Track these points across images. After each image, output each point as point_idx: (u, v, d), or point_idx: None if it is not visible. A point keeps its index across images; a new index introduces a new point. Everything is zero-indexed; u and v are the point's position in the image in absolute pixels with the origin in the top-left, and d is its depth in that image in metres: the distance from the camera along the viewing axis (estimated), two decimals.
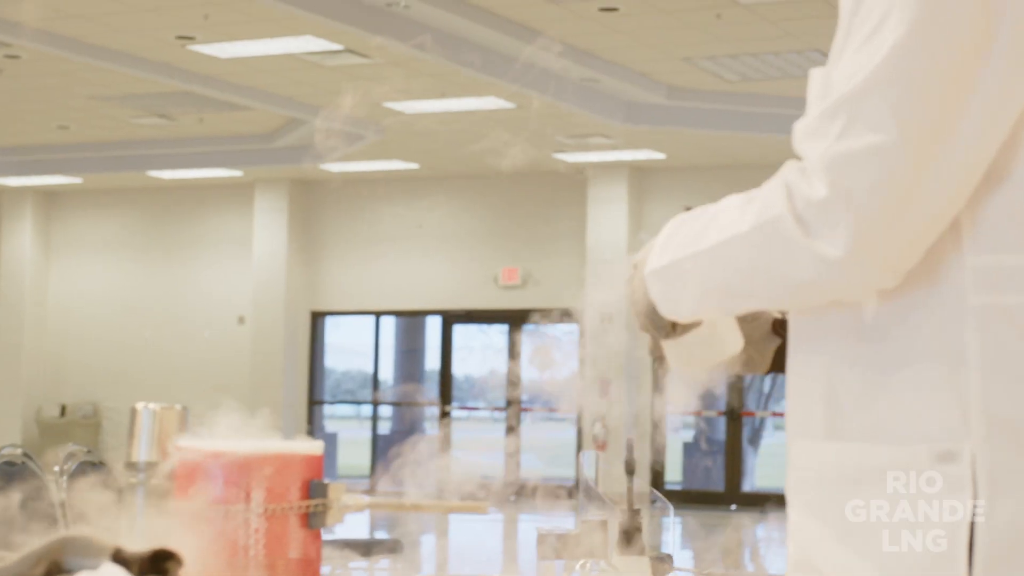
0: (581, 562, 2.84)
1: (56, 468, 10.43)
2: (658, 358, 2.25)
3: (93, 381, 23.51)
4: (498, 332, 22.76)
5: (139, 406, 2.33)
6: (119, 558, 1.96)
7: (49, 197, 24.35)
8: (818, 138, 1.87)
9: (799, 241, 1.85)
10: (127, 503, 2.38)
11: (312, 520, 2.21)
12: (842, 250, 1.83)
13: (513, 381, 21.91)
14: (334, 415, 25.57)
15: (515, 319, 21.53)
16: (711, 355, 2.25)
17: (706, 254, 1.97)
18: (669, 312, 2.06)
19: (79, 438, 21.77)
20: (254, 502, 2.18)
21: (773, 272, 1.90)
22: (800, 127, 1.91)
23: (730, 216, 1.95)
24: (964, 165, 1.85)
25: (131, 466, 2.35)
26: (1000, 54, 1.84)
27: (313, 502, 2.21)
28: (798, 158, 1.92)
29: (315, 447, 2.25)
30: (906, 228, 1.84)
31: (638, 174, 20.70)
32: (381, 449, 23.40)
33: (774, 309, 2.18)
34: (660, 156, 19.72)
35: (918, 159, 1.82)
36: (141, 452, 2.32)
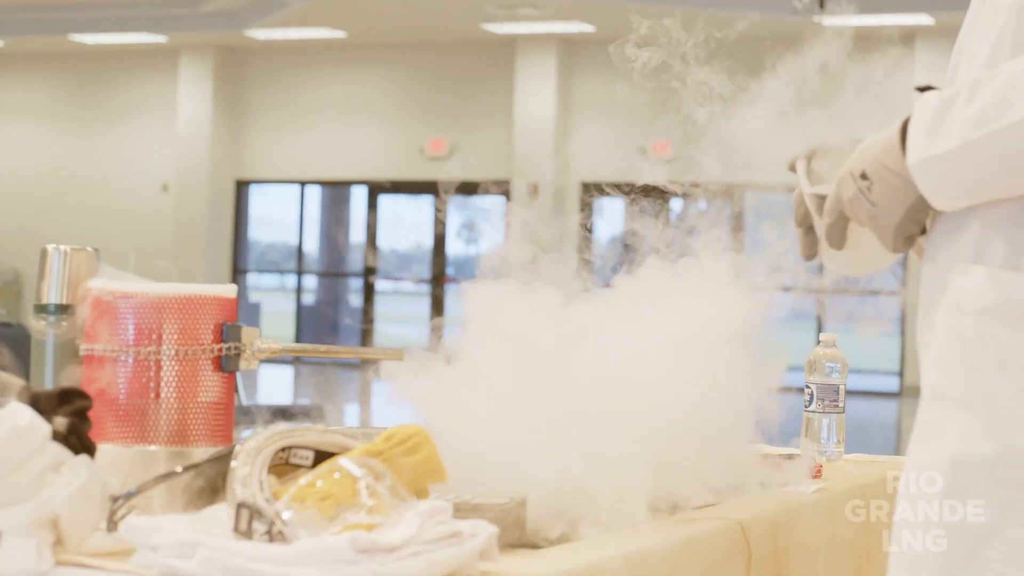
0: None
1: None
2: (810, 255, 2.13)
3: (14, 248, 23.26)
4: (424, 204, 22.68)
5: (49, 247, 2.28)
6: (26, 397, 1.92)
7: None
8: None
9: None
10: (37, 348, 2.34)
11: (225, 363, 2.18)
12: None
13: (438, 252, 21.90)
14: (259, 286, 25.47)
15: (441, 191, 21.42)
16: (878, 261, 2.16)
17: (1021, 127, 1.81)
18: (945, 202, 1.90)
19: (1, 304, 21.59)
20: (165, 344, 2.14)
21: None
22: None
23: None
24: None
25: (41, 309, 2.29)
26: None
27: (226, 345, 2.17)
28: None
29: (228, 290, 2.21)
30: None
31: (567, 47, 20.56)
32: (306, 320, 23.37)
33: None
34: (590, 28, 19.58)
35: None
36: (51, 294, 2.27)
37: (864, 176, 1.93)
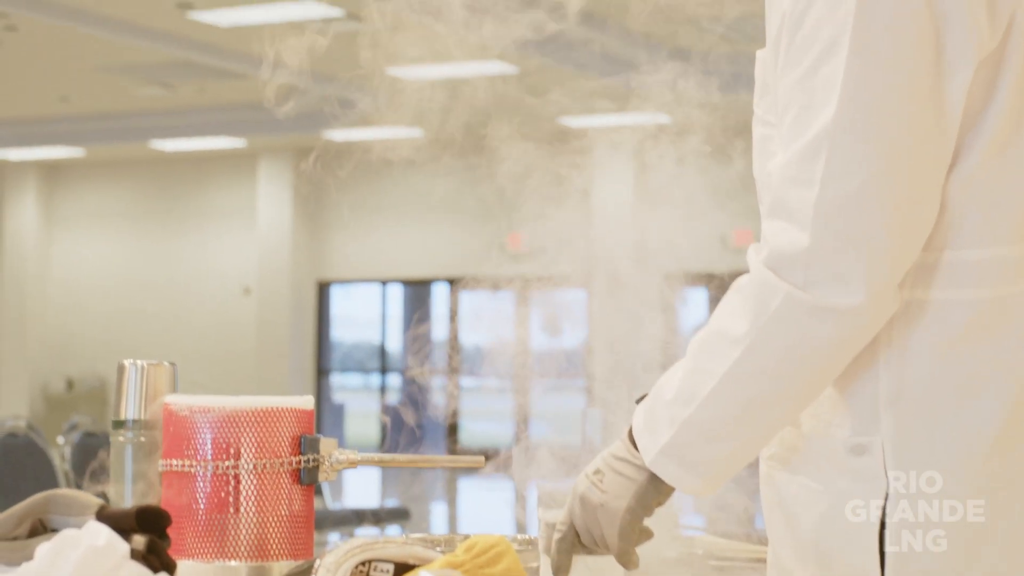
0: None
1: (60, 439, 10.37)
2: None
3: (99, 354, 23.46)
4: (506, 300, 22.67)
5: (127, 362, 2.28)
6: (104, 515, 1.92)
7: (51, 170, 24.28)
8: (801, 185, 1.82)
9: (817, 305, 1.81)
10: (117, 462, 2.33)
11: (304, 476, 2.16)
12: (862, 294, 1.80)
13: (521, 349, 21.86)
14: (343, 386, 25.51)
15: (523, 286, 21.43)
16: None
17: (724, 386, 1.88)
18: (696, 484, 1.95)
19: (86, 412, 21.78)
20: (244, 458, 2.12)
21: (804, 351, 1.84)
22: (778, 171, 1.86)
23: (719, 342, 1.88)
24: (942, 165, 1.85)
25: (119, 424, 2.30)
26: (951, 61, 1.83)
27: (304, 457, 2.16)
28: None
29: (305, 402, 2.20)
30: (908, 249, 1.83)
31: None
32: (391, 419, 23.37)
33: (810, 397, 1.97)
34: (667, 119, 19.58)
35: (913, 185, 1.82)
36: (129, 410, 2.27)
37: (597, 472, 2.00)
